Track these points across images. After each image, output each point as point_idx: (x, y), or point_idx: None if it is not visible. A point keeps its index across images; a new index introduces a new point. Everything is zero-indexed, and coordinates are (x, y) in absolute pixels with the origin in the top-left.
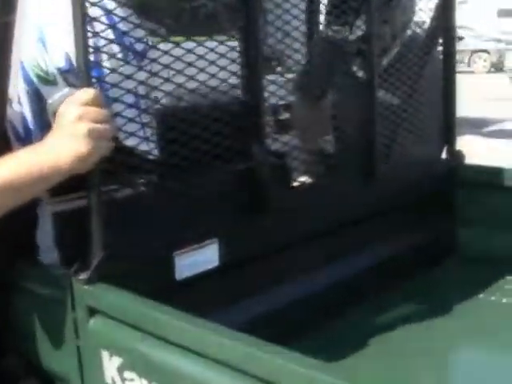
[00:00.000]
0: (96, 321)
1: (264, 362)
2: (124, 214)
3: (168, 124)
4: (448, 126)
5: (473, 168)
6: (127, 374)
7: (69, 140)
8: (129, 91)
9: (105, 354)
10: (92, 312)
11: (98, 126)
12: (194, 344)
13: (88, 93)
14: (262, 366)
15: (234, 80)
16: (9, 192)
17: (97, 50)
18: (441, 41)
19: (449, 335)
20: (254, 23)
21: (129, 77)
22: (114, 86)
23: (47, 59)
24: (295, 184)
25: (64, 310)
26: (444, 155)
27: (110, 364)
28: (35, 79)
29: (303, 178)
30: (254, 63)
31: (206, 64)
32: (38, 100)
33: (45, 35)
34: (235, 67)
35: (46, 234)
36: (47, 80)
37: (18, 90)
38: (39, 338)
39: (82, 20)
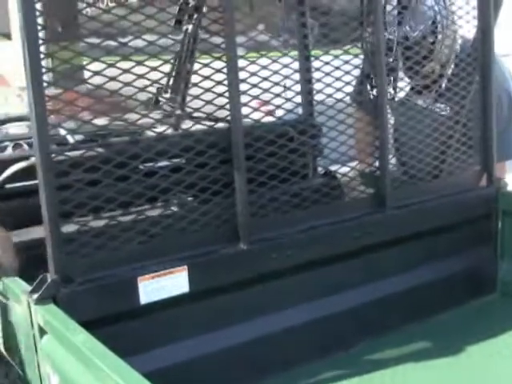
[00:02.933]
0: (46, 339)
1: None
2: (81, 241)
3: None
4: (486, 152)
5: None
6: None
7: None
8: None
9: (50, 372)
10: (42, 331)
11: None
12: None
13: None
14: None
15: None
16: None
17: None
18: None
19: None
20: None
21: None
22: None
23: None
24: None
25: (28, 327)
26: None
27: (53, 380)
28: None
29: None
30: None
31: None
32: None
33: None
34: None
35: None
36: None
37: None
38: (16, 349)
39: None
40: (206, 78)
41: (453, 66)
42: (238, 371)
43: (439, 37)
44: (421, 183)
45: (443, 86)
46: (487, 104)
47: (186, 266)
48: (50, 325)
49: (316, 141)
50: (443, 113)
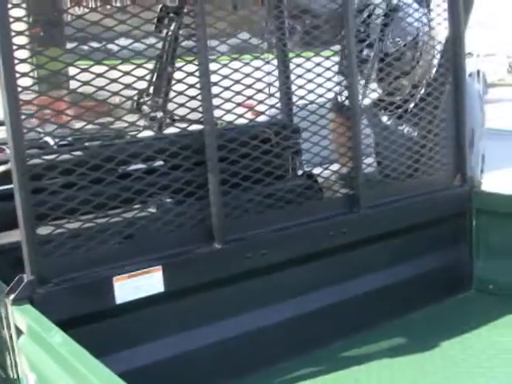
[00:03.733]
0: (22, 340)
1: None
2: (57, 242)
3: None
4: (459, 153)
5: (490, 195)
6: None
7: None
8: None
9: (28, 371)
10: (19, 331)
11: None
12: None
13: None
14: None
15: None
16: None
17: None
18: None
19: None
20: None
21: None
22: None
23: None
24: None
25: (5, 328)
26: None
27: (31, 379)
28: None
29: None
30: None
31: None
32: None
33: None
34: None
35: None
36: None
37: None
38: None
39: None
40: (179, 81)
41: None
42: (214, 369)
43: (417, 55)
44: (395, 182)
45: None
46: (460, 105)
47: (160, 266)
48: (26, 325)
49: (292, 142)
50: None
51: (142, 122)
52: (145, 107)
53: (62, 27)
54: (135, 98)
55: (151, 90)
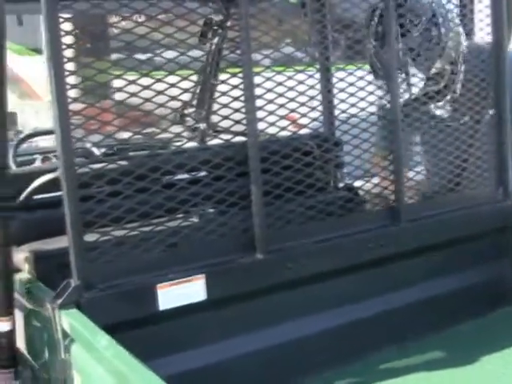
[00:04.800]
0: (68, 343)
1: None
2: (103, 249)
3: None
4: (501, 167)
5: None
6: None
7: None
8: None
9: (74, 372)
10: (65, 335)
11: None
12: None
13: None
14: None
15: None
16: None
17: None
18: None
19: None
20: None
21: None
22: None
23: None
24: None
25: (53, 331)
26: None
27: (76, 380)
28: None
29: None
30: None
31: None
32: None
33: None
34: None
35: None
36: None
37: None
38: (41, 353)
39: None
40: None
41: (463, 69)
42: (253, 377)
43: (442, 30)
44: (437, 196)
45: (457, 91)
46: (502, 119)
47: (203, 275)
48: (74, 329)
49: (334, 155)
50: (460, 121)
51: (185, 134)
52: (188, 119)
53: (109, 40)
54: (179, 109)
55: (195, 101)
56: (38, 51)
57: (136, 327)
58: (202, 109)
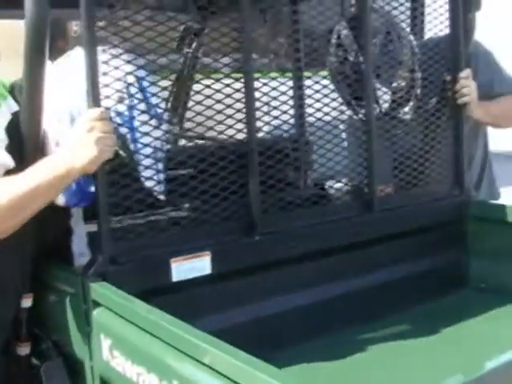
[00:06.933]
0: (98, 311)
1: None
2: (126, 229)
3: None
4: (458, 167)
5: (483, 204)
6: (115, 353)
7: (82, 146)
8: None
9: (102, 337)
10: (96, 304)
11: (104, 135)
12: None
13: (96, 111)
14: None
15: None
16: (44, 188)
17: None
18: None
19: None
20: None
21: None
22: None
23: None
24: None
25: (78, 304)
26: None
27: (105, 344)
28: None
29: None
30: None
31: None
32: None
33: None
34: None
35: (80, 242)
36: None
37: None
38: (62, 326)
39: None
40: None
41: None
42: (249, 346)
43: (397, 44)
44: (404, 190)
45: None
46: (458, 122)
47: (209, 252)
48: (105, 297)
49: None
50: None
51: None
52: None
53: None
54: None
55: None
56: None
57: (152, 297)
58: (176, 113)
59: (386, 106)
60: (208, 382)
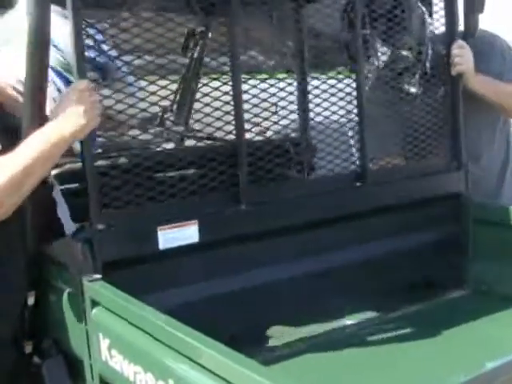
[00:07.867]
0: (96, 310)
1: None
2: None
3: None
4: (455, 142)
5: (485, 206)
6: (113, 352)
7: (72, 115)
8: None
9: (100, 336)
10: (94, 303)
11: (91, 105)
12: (156, 333)
13: (84, 82)
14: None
15: None
16: (41, 159)
17: None
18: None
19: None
20: None
21: None
22: None
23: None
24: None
25: (77, 303)
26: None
27: (103, 344)
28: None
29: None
30: None
31: None
32: None
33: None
34: None
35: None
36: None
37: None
38: (62, 325)
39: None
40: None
41: (430, 53)
42: (235, 314)
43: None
44: (400, 163)
45: (427, 70)
46: (456, 99)
47: (197, 221)
48: (103, 297)
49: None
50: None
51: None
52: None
53: None
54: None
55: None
56: None
57: (140, 263)
58: (182, 113)
59: (384, 59)
60: (203, 382)
